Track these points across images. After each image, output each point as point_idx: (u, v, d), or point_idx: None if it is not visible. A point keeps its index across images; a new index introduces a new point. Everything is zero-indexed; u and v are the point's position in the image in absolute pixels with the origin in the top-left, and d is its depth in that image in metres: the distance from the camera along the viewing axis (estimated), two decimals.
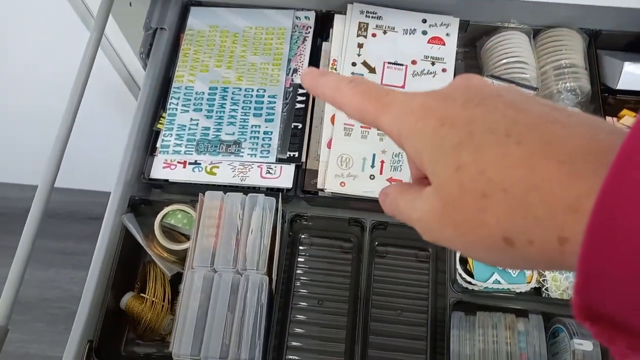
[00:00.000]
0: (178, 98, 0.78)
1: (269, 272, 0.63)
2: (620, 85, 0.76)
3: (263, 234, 0.63)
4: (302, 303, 0.72)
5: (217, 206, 0.64)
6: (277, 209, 0.66)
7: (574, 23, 0.82)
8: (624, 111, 0.81)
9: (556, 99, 0.77)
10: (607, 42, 0.84)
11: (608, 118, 0.80)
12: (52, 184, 0.59)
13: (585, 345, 0.61)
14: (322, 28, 0.84)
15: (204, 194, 0.65)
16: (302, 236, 0.76)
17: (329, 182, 0.74)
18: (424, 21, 0.81)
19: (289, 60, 0.80)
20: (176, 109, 0.77)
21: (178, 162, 0.75)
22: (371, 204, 0.76)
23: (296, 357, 0.70)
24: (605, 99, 0.79)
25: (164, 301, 0.66)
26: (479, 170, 0.21)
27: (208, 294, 0.60)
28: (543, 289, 0.71)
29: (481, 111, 0.23)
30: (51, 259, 1.59)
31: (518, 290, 0.71)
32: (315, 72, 0.31)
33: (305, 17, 0.84)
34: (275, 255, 0.64)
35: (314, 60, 0.81)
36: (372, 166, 0.75)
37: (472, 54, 0.87)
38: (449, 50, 0.81)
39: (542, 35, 0.82)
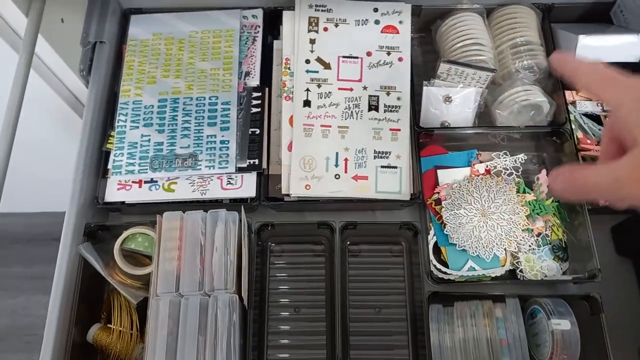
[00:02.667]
0: (126, 114, 0.74)
1: (239, 288, 0.60)
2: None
3: (228, 250, 0.61)
4: (278, 313, 0.70)
5: (177, 227, 0.61)
6: (241, 222, 0.63)
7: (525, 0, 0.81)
8: None
9: (514, 78, 0.76)
10: (560, 15, 0.83)
11: (568, 92, 0.79)
12: None
13: (563, 324, 0.61)
14: (272, 26, 0.81)
15: (161, 216, 0.62)
16: (272, 245, 0.73)
17: (294, 186, 0.72)
18: (376, 10, 0.79)
19: (240, 63, 0.77)
20: (125, 126, 0.73)
21: (133, 182, 0.71)
22: (340, 204, 0.74)
23: None
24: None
25: (132, 330, 0.63)
26: None
27: (176, 320, 0.57)
28: (517, 271, 0.71)
29: None
30: (20, 285, 1.53)
31: (493, 275, 0.71)
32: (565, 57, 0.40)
33: (253, 16, 0.81)
34: (243, 270, 0.62)
35: (266, 60, 0.78)
36: (336, 165, 0.73)
37: (428, 39, 0.85)
38: (404, 38, 0.79)
39: (495, 14, 0.81)
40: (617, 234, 0.74)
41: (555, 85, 0.77)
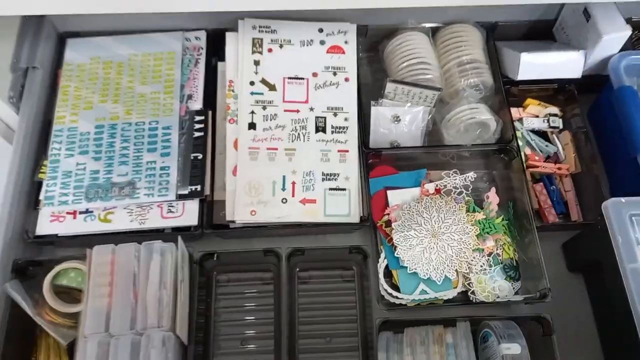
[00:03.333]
0: (60, 142, 0.70)
1: (176, 324, 0.57)
2: (521, 77, 0.76)
3: (165, 284, 0.58)
4: (224, 347, 0.67)
5: (108, 261, 0.57)
6: (178, 253, 0.60)
7: (471, 18, 0.81)
8: (528, 100, 0.81)
9: (461, 96, 0.76)
10: (504, 33, 0.84)
11: (514, 109, 0.80)
12: None
13: (513, 348, 0.59)
14: (217, 48, 0.79)
15: (92, 249, 0.58)
16: (217, 274, 0.70)
17: (238, 212, 0.69)
18: (321, 30, 0.78)
19: (182, 86, 0.75)
20: (59, 154, 0.70)
21: (67, 213, 0.68)
22: (288, 229, 0.72)
23: None
24: (508, 91, 0.79)
25: None
26: None
27: None
28: (469, 293, 0.69)
29: None
30: None
31: (446, 297, 0.69)
32: None
33: (196, 38, 0.79)
34: (181, 304, 0.58)
35: (210, 83, 0.76)
36: (284, 189, 0.71)
37: (376, 58, 0.84)
38: (350, 58, 0.78)
39: (441, 33, 0.81)
40: (567, 250, 0.74)
41: (501, 102, 0.77)
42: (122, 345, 0.54)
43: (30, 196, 0.68)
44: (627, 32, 0.72)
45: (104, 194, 0.67)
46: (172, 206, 0.68)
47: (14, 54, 0.69)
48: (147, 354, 0.53)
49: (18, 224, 0.66)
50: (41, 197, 0.68)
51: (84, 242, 0.68)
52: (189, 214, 0.68)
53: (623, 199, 0.61)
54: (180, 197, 0.68)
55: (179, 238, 0.60)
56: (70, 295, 0.65)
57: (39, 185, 0.69)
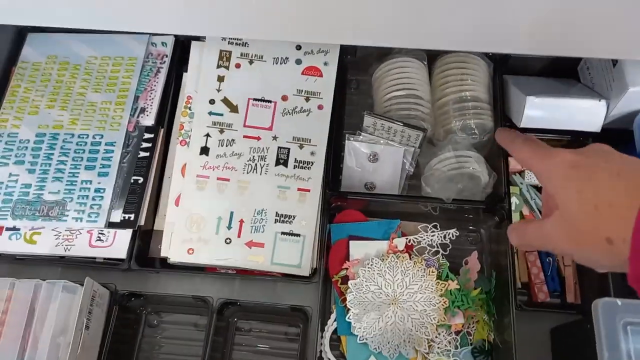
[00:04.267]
0: None
1: None
2: (524, 124, 0.64)
3: (66, 329, 0.51)
4: None
5: (5, 297, 0.51)
6: (90, 297, 0.53)
7: (478, 47, 0.69)
8: None
9: (451, 140, 0.65)
10: (519, 66, 0.71)
11: (515, 160, 0.68)
12: None
13: None
14: (184, 57, 0.71)
15: None
16: (145, 315, 0.63)
17: (174, 249, 0.62)
18: (299, 48, 0.69)
19: (137, 98, 0.67)
20: None
21: None
22: (230, 272, 0.64)
23: None
24: None
25: None
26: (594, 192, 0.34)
27: None
28: None
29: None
30: None
31: None
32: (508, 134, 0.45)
33: (162, 44, 0.71)
34: (82, 351, 0.52)
35: (168, 96, 0.68)
36: (229, 227, 0.63)
37: (369, 81, 0.74)
38: (327, 83, 0.68)
39: (440, 62, 0.70)
40: (555, 337, 0.62)
41: (499, 151, 0.66)
42: None
43: None
44: None
45: (30, 213, 0.61)
46: (102, 234, 0.61)
47: None
48: None
49: None
50: None
51: (8, 261, 0.62)
52: (119, 245, 0.61)
53: (619, 301, 0.49)
54: (111, 225, 0.61)
55: (87, 279, 0.53)
56: None
57: None
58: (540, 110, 0.64)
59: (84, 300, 0.52)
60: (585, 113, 0.64)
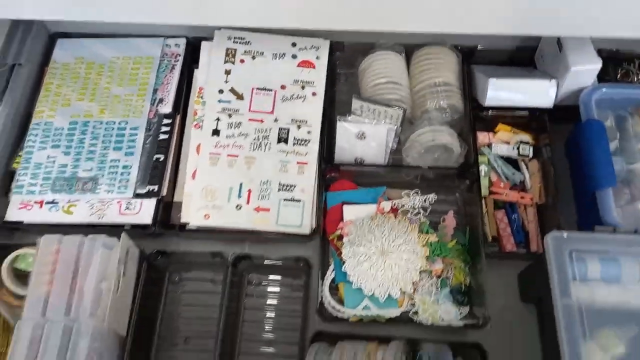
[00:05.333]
0: (36, 135, 0.75)
1: (114, 316, 0.60)
2: (489, 102, 0.76)
3: (105, 276, 0.60)
4: (167, 343, 0.69)
5: (54, 250, 0.61)
6: (126, 249, 0.63)
7: (449, 41, 0.81)
8: (499, 126, 0.80)
9: (425, 117, 0.76)
10: (485, 58, 0.83)
11: (483, 134, 0.79)
12: None
13: None
14: (195, 55, 0.82)
15: (41, 238, 0.62)
16: (169, 272, 0.73)
17: (193, 215, 0.72)
18: (294, 45, 0.80)
19: (155, 90, 0.78)
20: (33, 147, 0.74)
21: (35, 202, 0.72)
22: (243, 235, 0.73)
23: None
24: (478, 115, 0.78)
25: (6, 349, 0.62)
26: None
27: (39, 343, 0.56)
28: (411, 313, 0.69)
29: None
30: None
31: (389, 316, 0.69)
32: None
33: (176, 45, 0.82)
34: (119, 297, 0.61)
35: (182, 88, 0.79)
36: (239, 196, 0.73)
37: (356, 74, 0.85)
38: (319, 73, 0.79)
39: (416, 54, 0.82)
40: (521, 280, 0.73)
41: (469, 128, 0.77)
42: (55, 331, 0.57)
43: (5, 184, 0.73)
44: (597, 65, 0.70)
45: (68, 187, 0.71)
46: (130, 204, 0.71)
47: (1, 51, 0.74)
48: (76, 340, 0.56)
49: None
50: (12, 186, 0.72)
51: (48, 231, 0.71)
52: (145, 212, 0.71)
53: (565, 234, 0.60)
54: (138, 195, 0.71)
55: (123, 234, 0.63)
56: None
57: (11, 174, 0.73)
58: (501, 90, 0.76)
59: (121, 251, 0.61)
60: (539, 92, 0.75)
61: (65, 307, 0.58)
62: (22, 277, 0.68)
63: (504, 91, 0.76)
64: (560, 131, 0.79)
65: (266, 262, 0.71)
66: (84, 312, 0.58)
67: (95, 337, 0.57)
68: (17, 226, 0.72)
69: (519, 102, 0.76)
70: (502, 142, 0.80)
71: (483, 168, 0.77)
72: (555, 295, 0.57)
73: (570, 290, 0.57)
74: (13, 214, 0.71)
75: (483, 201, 0.74)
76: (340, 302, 0.70)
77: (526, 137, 0.80)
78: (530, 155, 0.79)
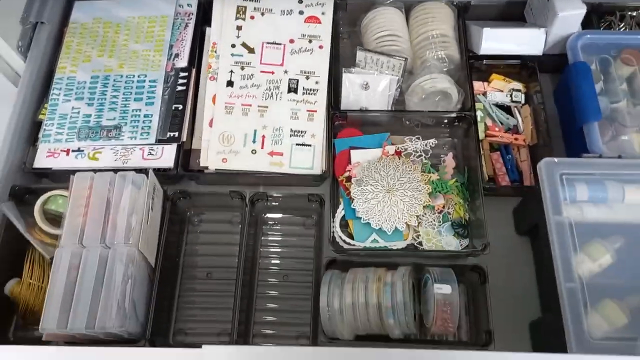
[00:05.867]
0: (60, 88, 0.79)
1: (143, 246, 0.65)
2: (483, 51, 0.81)
3: (135, 209, 0.65)
4: (191, 275, 0.74)
5: (87, 186, 0.66)
6: (153, 186, 0.68)
7: None
8: (493, 75, 0.86)
9: (424, 66, 0.82)
10: (478, 13, 0.89)
11: (478, 83, 0.85)
12: None
13: (444, 289, 0.65)
14: (206, 14, 0.86)
15: (74, 176, 0.66)
16: (190, 213, 0.78)
17: (211, 159, 0.77)
18: (300, 1, 0.85)
19: (171, 46, 0.83)
20: (58, 99, 0.78)
21: (62, 151, 0.76)
22: (258, 178, 0.79)
23: (185, 327, 0.72)
24: (472, 65, 0.84)
25: (42, 283, 0.67)
26: None
27: (77, 269, 0.61)
28: (417, 244, 0.75)
29: None
30: None
31: (395, 248, 0.75)
32: None
33: (188, 5, 0.87)
34: (148, 229, 0.66)
35: (196, 43, 0.84)
36: (254, 141, 0.78)
37: (358, 33, 0.91)
38: (325, 28, 0.84)
39: (415, 9, 0.87)
40: (516, 214, 0.79)
41: (465, 76, 0.83)
42: (92, 257, 0.62)
43: (31, 134, 0.77)
44: (581, 10, 0.76)
45: (93, 135, 0.76)
46: (152, 149, 0.76)
47: (25, 9, 0.79)
48: (113, 264, 0.61)
49: (18, 157, 0.75)
50: (39, 135, 0.77)
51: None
52: (166, 157, 0.75)
53: (556, 159, 0.66)
54: (160, 141, 0.76)
55: (150, 170, 0.68)
56: (58, 221, 0.73)
57: (39, 124, 0.78)
58: (494, 39, 0.81)
59: (149, 185, 0.66)
60: (529, 40, 0.81)
61: (100, 236, 0.63)
62: (51, 219, 0.73)
63: (497, 40, 0.81)
64: (547, 82, 0.85)
65: (281, 200, 0.76)
66: (118, 240, 0.63)
67: (129, 263, 0.62)
68: (46, 173, 0.77)
69: (511, 50, 0.82)
70: (496, 90, 0.86)
71: (479, 114, 0.83)
72: (549, 214, 0.63)
73: (562, 209, 0.63)
74: (41, 161, 0.76)
75: (480, 144, 0.80)
76: (350, 236, 0.76)
77: (518, 85, 0.86)
78: (522, 101, 0.85)
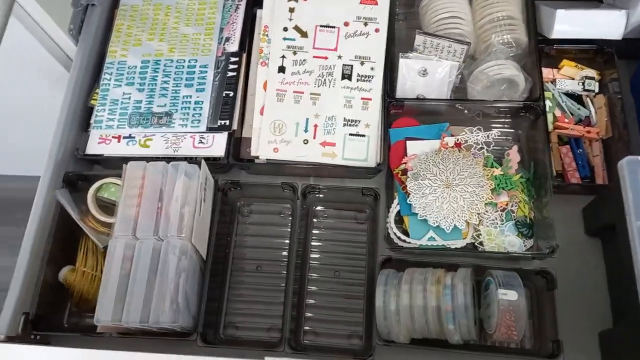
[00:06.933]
0: (111, 73, 0.78)
1: (196, 239, 0.63)
2: (555, 35, 0.75)
3: (188, 201, 0.64)
4: (240, 269, 0.73)
5: (140, 175, 0.64)
6: (205, 177, 0.66)
7: None
8: (564, 61, 0.79)
9: (489, 51, 0.76)
10: None
11: (547, 70, 0.78)
12: None
13: (510, 294, 0.61)
14: None
15: (127, 165, 0.65)
16: (240, 204, 0.76)
17: (262, 148, 0.74)
18: None
19: (221, 30, 0.80)
20: (109, 84, 0.77)
21: (113, 137, 0.75)
22: (309, 169, 0.76)
23: (235, 320, 0.71)
24: (542, 50, 0.77)
25: (96, 271, 0.67)
26: None
27: (130, 261, 0.60)
28: (477, 244, 0.71)
29: None
30: None
31: (454, 246, 0.71)
32: None
33: None
34: (199, 221, 0.64)
35: (247, 28, 0.81)
36: (306, 130, 0.75)
37: (416, 15, 0.85)
38: (382, 10, 0.79)
39: None
40: (586, 214, 0.73)
41: (534, 62, 0.76)
42: (145, 248, 0.61)
43: (83, 119, 0.77)
44: None
45: (144, 122, 0.75)
46: (203, 137, 0.74)
47: None
48: (166, 257, 0.60)
49: (71, 143, 0.74)
50: (91, 120, 0.76)
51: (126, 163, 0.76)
52: (217, 146, 0.74)
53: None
54: (210, 129, 0.74)
55: (202, 161, 0.66)
56: (110, 208, 0.73)
57: (90, 110, 0.77)
58: (568, 22, 0.74)
59: (202, 176, 0.64)
60: (607, 23, 0.74)
61: (153, 227, 0.62)
62: (103, 206, 0.73)
63: (571, 23, 0.75)
64: (624, 69, 0.78)
65: (333, 192, 0.73)
66: (171, 232, 0.62)
67: (182, 254, 0.61)
68: (97, 159, 0.76)
69: (587, 34, 0.75)
70: (566, 78, 0.79)
71: (547, 103, 0.76)
72: (631, 218, 0.57)
73: None
74: (93, 148, 0.75)
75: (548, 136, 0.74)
76: (406, 233, 0.72)
77: (591, 72, 0.79)
78: (596, 90, 0.78)
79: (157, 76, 0.77)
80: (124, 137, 0.75)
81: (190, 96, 0.76)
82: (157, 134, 0.75)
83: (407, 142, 0.76)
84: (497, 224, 0.71)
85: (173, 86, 0.76)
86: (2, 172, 1.35)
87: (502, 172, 0.73)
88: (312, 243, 0.74)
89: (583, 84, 0.78)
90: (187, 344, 0.64)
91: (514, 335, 0.61)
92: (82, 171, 0.75)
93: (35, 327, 0.65)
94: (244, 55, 0.79)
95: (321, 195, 0.74)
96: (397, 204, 0.73)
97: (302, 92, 0.76)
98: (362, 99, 0.76)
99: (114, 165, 0.77)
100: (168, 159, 0.74)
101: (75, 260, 0.72)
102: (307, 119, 0.75)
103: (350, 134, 0.75)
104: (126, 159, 0.74)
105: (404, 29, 0.86)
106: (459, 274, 0.64)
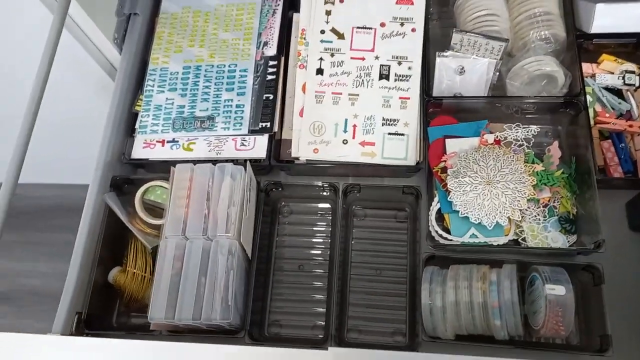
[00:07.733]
0: (154, 79, 0.80)
1: (242, 238, 0.65)
2: (595, 29, 0.74)
3: (234, 201, 0.65)
4: (283, 268, 0.74)
5: (188, 177, 0.66)
6: (249, 177, 0.68)
7: None
8: (603, 56, 0.78)
9: (528, 48, 0.76)
10: None
11: (587, 64, 0.78)
12: (16, 181, 0.62)
13: (558, 290, 0.61)
14: (293, 0, 0.84)
15: (174, 168, 0.67)
16: (281, 205, 0.77)
17: (302, 149, 0.75)
18: None
19: (260, 34, 0.82)
20: (152, 90, 0.80)
21: (157, 142, 0.78)
22: (348, 169, 0.77)
23: (279, 318, 0.72)
24: (581, 45, 0.77)
25: (145, 272, 0.69)
26: None
27: (181, 260, 0.62)
28: (520, 239, 0.70)
29: None
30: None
31: (496, 243, 0.71)
32: None
33: None
34: (245, 221, 0.66)
35: (284, 32, 0.82)
36: (345, 131, 0.76)
37: (450, 14, 0.86)
38: (418, 10, 0.80)
39: None
40: (630, 209, 0.72)
41: (573, 57, 0.76)
42: (195, 247, 0.62)
43: (128, 125, 0.79)
44: None
45: (187, 126, 0.76)
46: (244, 140, 0.76)
47: (119, 1, 0.80)
48: (216, 256, 0.62)
49: (117, 148, 0.77)
50: (136, 126, 0.78)
51: (169, 167, 0.78)
52: (259, 148, 0.75)
53: None
54: (252, 132, 0.75)
55: (247, 163, 0.67)
56: (156, 211, 0.75)
57: (135, 116, 0.79)
58: (608, 16, 0.74)
59: (246, 178, 0.66)
60: None
61: (202, 227, 0.64)
62: (149, 209, 0.75)
63: (611, 17, 0.74)
64: None
65: (374, 192, 0.74)
66: (219, 232, 0.63)
67: (230, 254, 0.62)
68: (142, 163, 0.78)
69: (626, 27, 0.75)
70: (606, 73, 0.78)
71: (587, 98, 0.76)
72: None
73: None
74: (138, 152, 0.78)
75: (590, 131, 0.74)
76: (447, 231, 0.72)
77: (632, 66, 0.78)
78: (637, 84, 0.77)
79: (198, 81, 0.79)
80: (168, 142, 0.77)
81: (232, 100, 0.77)
82: (200, 137, 0.76)
83: (446, 140, 0.76)
84: (540, 220, 0.71)
85: (214, 91, 0.78)
86: (49, 181, 1.38)
87: (543, 168, 0.72)
88: (353, 242, 0.75)
89: (623, 78, 0.77)
90: (235, 342, 0.65)
91: (561, 331, 0.61)
92: (127, 175, 0.77)
93: (88, 326, 0.67)
94: (282, 59, 0.80)
95: (361, 195, 0.75)
96: (438, 201, 0.74)
97: (341, 93, 0.77)
98: (400, 98, 0.77)
99: (158, 168, 0.79)
100: (211, 162, 0.76)
101: (122, 262, 0.75)
102: (346, 120, 0.76)
103: (390, 133, 0.76)
104: (170, 163, 0.76)
105: (437, 28, 0.86)
106: (505, 271, 0.64)
